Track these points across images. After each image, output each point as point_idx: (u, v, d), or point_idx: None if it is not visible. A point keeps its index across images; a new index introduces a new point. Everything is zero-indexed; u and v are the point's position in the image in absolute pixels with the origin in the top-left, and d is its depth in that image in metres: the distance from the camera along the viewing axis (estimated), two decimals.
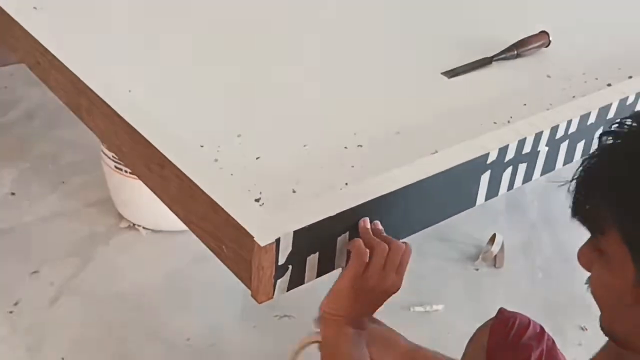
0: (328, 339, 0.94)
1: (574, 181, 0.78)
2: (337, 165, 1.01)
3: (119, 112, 1.08)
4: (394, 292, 0.92)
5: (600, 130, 1.15)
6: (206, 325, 1.85)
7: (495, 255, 2.13)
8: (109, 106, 1.10)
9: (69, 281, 1.94)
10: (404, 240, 0.92)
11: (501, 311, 1.32)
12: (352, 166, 1.01)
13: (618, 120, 0.77)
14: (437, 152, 1.01)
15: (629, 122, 0.77)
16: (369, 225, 0.90)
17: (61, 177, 2.34)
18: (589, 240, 0.79)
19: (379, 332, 1.13)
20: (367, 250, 0.87)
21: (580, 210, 0.77)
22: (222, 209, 0.87)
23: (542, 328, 1.28)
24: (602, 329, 0.81)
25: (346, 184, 0.95)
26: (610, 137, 0.76)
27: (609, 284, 0.76)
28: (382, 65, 1.32)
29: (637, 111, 0.79)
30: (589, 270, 0.80)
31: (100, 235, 2.11)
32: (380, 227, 0.91)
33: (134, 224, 2.14)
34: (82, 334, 1.79)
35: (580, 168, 0.78)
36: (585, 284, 0.81)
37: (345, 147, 1.05)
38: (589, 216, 0.76)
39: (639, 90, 1.20)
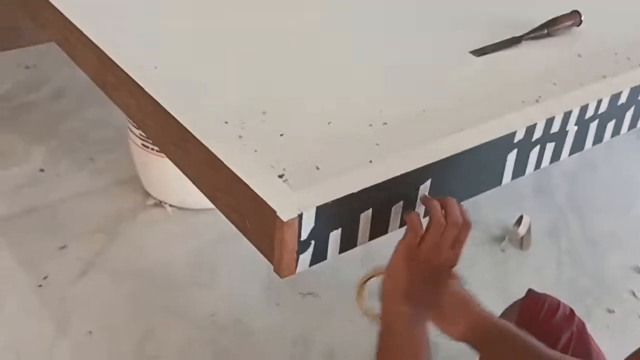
0: (385, 314, 0.91)
1: None
2: (362, 143, 1.00)
3: (144, 87, 1.08)
4: (449, 269, 0.90)
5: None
6: (231, 302, 1.87)
7: (522, 237, 2.11)
8: (135, 82, 1.10)
9: (96, 257, 1.97)
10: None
11: (530, 292, 1.31)
12: (377, 144, 1.00)
13: None
14: (463, 130, 0.99)
15: None
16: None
17: (89, 154, 2.36)
18: None
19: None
20: (421, 225, 0.87)
21: None
22: (246, 184, 0.87)
23: (572, 310, 1.27)
24: None
25: (370, 161, 0.95)
26: None
27: None
28: (411, 42, 1.31)
29: None
30: None
31: (127, 212, 2.13)
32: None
33: (160, 202, 2.16)
34: (109, 309, 1.81)
35: None
36: None
37: (370, 125, 1.04)
38: None
39: None
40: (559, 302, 1.28)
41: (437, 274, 0.90)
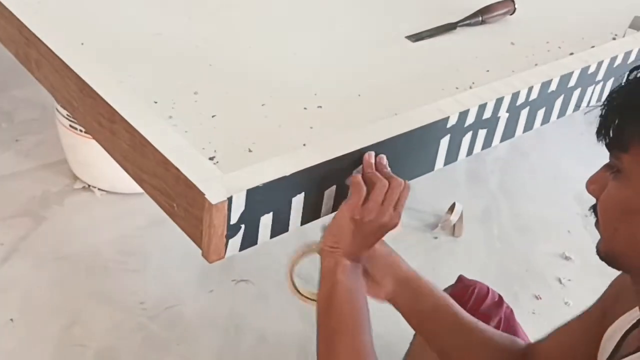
0: (325, 270, 0.95)
1: (603, 106, 0.82)
2: (296, 126, 0.99)
3: (70, 65, 1.04)
4: (391, 228, 0.93)
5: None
6: (162, 288, 1.83)
7: (454, 225, 2.14)
8: (59, 59, 1.05)
9: (19, 242, 1.89)
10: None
11: (460, 279, 1.33)
12: (311, 127, 0.99)
13: None
14: (397, 114, 0.99)
15: None
16: (373, 160, 0.91)
17: (15, 135, 2.28)
18: (603, 166, 0.84)
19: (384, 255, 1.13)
20: (364, 185, 0.89)
21: (607, 129, 0.81)
22: (174, 165, 0.84)
23: (500, 297, 1.30)
24: (599, 252, 0.84)
25: (304, 144, 0.93)
26: None
27: (623, 199, 0.80)
28: (347, 26, 1.30)
29: None
30: (597, 197, 0.84)
31: (54, 196, 2.06)
32: (385, 161, 0.92)
33: (89, 185, 2.09)
34: (33, 296, 1.75)
35: (610, 93, 0.82)
36: (589, 210, 0.86)
37: (305, 108, 1.03)
38: (615, 134, 0.80)
39: (600, 60, 1.20)
40: (488, 289, 1.30)
41: (379, 233, 0.94)
